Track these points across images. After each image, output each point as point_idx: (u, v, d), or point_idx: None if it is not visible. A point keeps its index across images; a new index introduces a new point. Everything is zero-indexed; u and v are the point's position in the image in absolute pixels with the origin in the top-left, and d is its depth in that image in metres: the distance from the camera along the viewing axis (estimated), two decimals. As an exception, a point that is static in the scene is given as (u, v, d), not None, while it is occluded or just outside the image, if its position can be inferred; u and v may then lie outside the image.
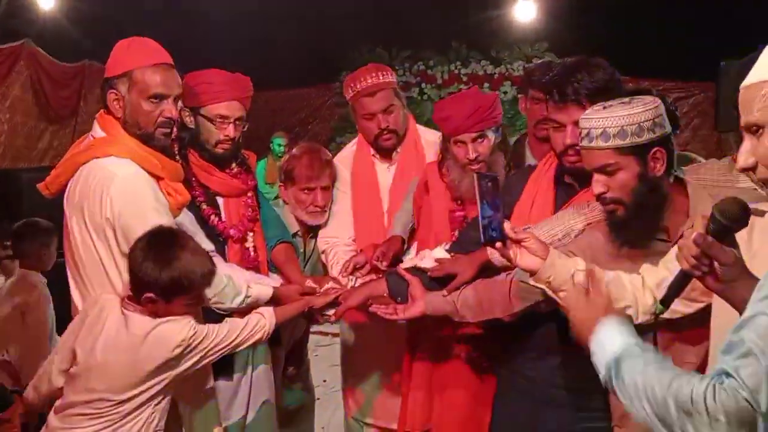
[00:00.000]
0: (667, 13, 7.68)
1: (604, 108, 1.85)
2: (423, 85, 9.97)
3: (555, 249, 1.88)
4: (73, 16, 7.50)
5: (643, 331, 1.75)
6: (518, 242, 1.84)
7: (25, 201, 5.62)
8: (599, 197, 1.88)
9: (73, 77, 8.14)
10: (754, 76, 1.29)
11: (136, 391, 2.04)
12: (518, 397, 2.27)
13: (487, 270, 2.17)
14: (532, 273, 1.86)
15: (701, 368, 1.74)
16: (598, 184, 1.86)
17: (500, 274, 2.14)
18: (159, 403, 2.10)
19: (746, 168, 1.29)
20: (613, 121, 1.81)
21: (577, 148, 2.06)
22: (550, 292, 1.87)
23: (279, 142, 8.24)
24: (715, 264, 1.33)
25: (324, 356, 4.93)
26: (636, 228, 1.86)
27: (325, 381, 4.58)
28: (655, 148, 1.83)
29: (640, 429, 1.85)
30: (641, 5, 7.66)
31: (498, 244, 1.85)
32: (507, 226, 1.83)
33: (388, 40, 9.83)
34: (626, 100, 1.86)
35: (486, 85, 9.54)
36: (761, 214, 1.39)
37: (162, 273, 2.01)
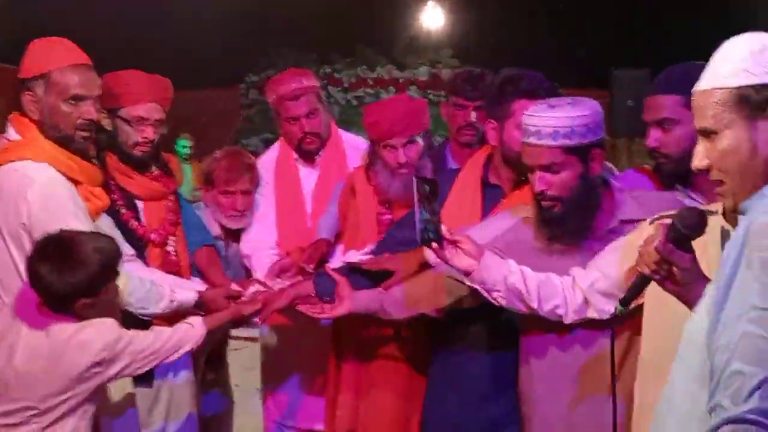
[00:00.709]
0: (566, 23, 8.03)
1: (550, 107, 1.91)
2: (329, 88, 10.00)
3: (489, 251, 1.93)
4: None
5: (601, 326, 1.86)
6: (454, 243, 1.88)
7: None
8: (540, 194, 1.93)
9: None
10: (705, 82, 1.35)
11: (60, 399, 1.96)
12: (452, 394, 2.31)
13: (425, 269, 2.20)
14: (467, 274, 1.91)
15: None
16: (541, 181, 1.91)
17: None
18: (85, 411, 2.03)
19: (700, 169, 1.36)
20: (564, 122, 1.87)
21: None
22: (484, 293, 1.92)
23: (183, 144, 8.04)
24: (674, 268, 1.40)
25: (235, 360, 4.83)
26: (570, 225, 1.93)
27: (237, 385, 4.49)
28: (595, 149, 1.92)
29: (545, 409, 1.99)
30: (545, 16, 7.98)
31: (434, 245, 1.88)
32: (444, 228, 1.87)
33: (293, 43, 9.81)
34: (569, 100, 1.93)
35: (391, 89, 9.69)
36: (711, 214, 1.47)
37: (77, 275, 1.94)
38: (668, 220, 1.43)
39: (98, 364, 1.98)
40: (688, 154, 1.50)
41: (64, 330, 1.96)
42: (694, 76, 1.39)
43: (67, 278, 1.93)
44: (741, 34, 1.36)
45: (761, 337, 1.09)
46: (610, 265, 1.83)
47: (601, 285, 1.84)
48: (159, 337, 2.13)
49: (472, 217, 2.27)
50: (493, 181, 2.32)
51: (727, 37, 1.36)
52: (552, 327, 1.96)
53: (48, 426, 1.97)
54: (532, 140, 1.91)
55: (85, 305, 1.98)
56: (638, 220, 1.87)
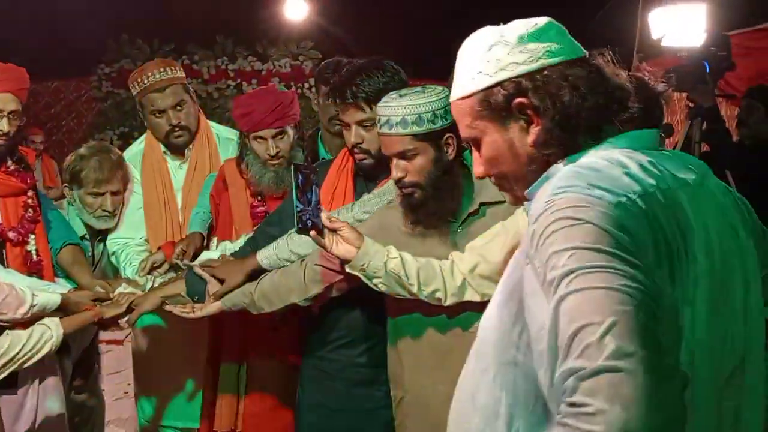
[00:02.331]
0: (433, 14, 8.18)
1: (400, 96, 1.96)
2: (189, 80, 9.69)
3: (369, 238, 1.96)
4: None
5: (476, 306, 1.92)
6: (334, 231, 1.92)
7: None
8: (398, 181, 1.99)
9: None
10: (453, 92, 1.34)
11: None
12: (327, 382, 2.33)
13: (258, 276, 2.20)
14: (347, 261, 1.94)
15: None
16: (398, 168, 1.97)
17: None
18: None
19: (484, 176, 1.38)
20: (411, 109, 1.93)
21: (362, 147, 2.19)
22: (364, 278, 1.96)
23: (33, 139, 7.56)
24: None
25: (102, 364, 4.65)
26: (431, 209, 1.98)
27: (103, 390, 4.33)
28: (447, 134, 1.98)
29: (416, 390, 2.04)
30: (410, 8, 8.11)
31: (313, 233, 1.91)
32: (324, 215, 1.90)
33: (149, 32, 9.43)
34: (419, 89, 1.98)
35: (254, 81, 9.56)
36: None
37: None
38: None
39: None
40: None
41: None
42: None
43: None
44: (474, 33, 1.33)
45: (585, 290, 1.02)
46: (492, 251, 1.90)
47: (483, 269, 1.91)
48: (14, 343, 2.05)
49: (343, 205, 2.28)
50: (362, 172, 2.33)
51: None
52: (419, 305, 2.01)
53: None
54: (384, 129, 1.97)
55: None
56: (497, 203, 1.97)
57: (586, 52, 1.30)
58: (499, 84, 1.25)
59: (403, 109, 1.93)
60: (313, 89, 8.57)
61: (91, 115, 9.86)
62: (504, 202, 1.96)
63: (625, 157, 1.18)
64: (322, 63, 2.95)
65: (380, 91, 2.12)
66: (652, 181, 1.15)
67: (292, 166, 1.90)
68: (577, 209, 1.09)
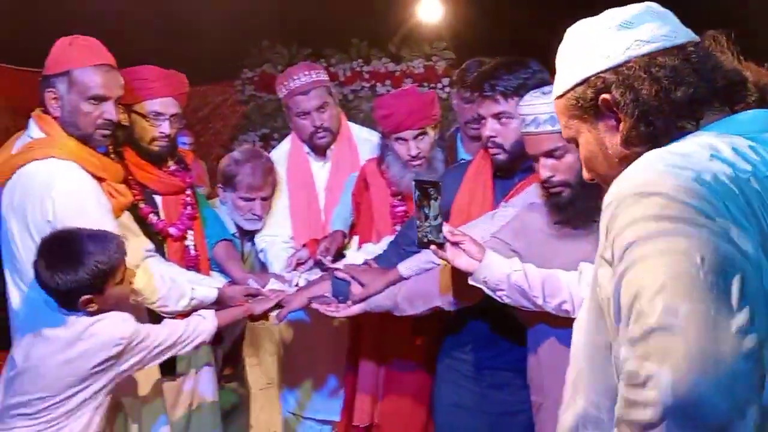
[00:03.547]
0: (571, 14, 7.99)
1: (545, 93, 1.92)
2: (326, 82, 9.94)
3: (491, 250, 1.93)
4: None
5: None
6: (455, 244, 1.90)
7: None
8: (546, 181, 1.95)
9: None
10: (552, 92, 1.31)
11: (74, 390, 1.99)
12: (464, 384, 2.34)
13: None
14: (469, 273, 1.92)
15: None
16: (545, 168, 1.93)
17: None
18: (100, 403, 2.06)
19: (588, 180, 1.34)
20: None
21: (496, 141, 2.16)
22: (487, 291, 1.93)
23: (182, 141, 8.04)
24: None
25: (248, 353, 4.87)
26: (580, 207, 1.93)
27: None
28: None
29: (556, 397, 1.99)
30: (546, 8, 7.96)
31: (433, 247, 1.90)
32: (445, 228, 1.88)
33: (288, 37, 9.78)
34: None
35: (388, 82, 9.69)
36: None
37: (81, 273, 1.96)
38: None
39: (111, 357, 2.00)
40: None
41: (79, 323, 1.99)
42: None
43: (61, 276, 1.95)
44: (572, 26, 1.26)
45: (640, 260, 0.99)
46: None
47: None
48: (172, 332, 2.17)
49: (483, 208, 2.29)
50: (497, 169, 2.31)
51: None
52: (556, 319, 1.96)
53: (62, 417, 2.00)
54: (531, 129, 1.93)
55: (87, 301, 1.99)
56: None
57: (694, 38, 1.20)
58: (586, 80, 1.20)
59: (550, 105, 1.89)
60: (447, 89, 8.58)
61: (235, 118, 10.35)
62: None
63: (720, 142, 1.09)
64: (464, 64, 2.95)
65: (519, 86, 2.11)
66: (746, 167, 1.05)
67: (412, 182, 1.89)
68: (647, 184, 1.03)
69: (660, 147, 1.13)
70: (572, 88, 1.22)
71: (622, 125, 1.18)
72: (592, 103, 1.20)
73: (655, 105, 1.14)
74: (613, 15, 1.21)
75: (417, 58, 9.89)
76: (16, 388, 2.02)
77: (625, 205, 1.04)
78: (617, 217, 1.05)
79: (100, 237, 2.01)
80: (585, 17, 1.28)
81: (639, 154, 1.14)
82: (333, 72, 9.98)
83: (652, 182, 1.03)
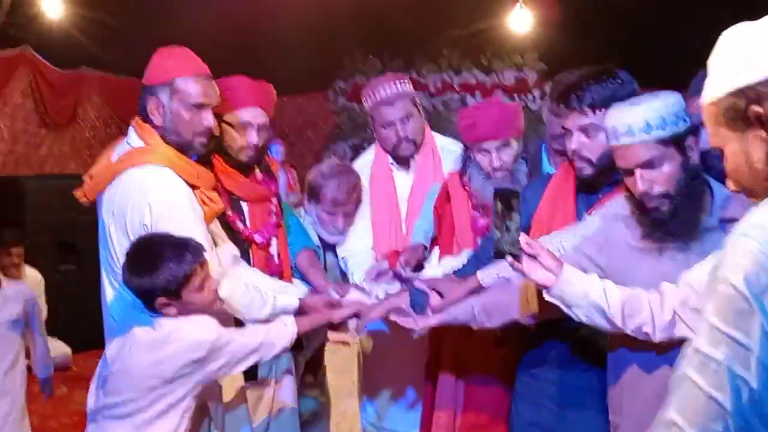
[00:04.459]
0: (661, 20, 7.73)
1: (633, 105, 1.84)
2: (416, 93, 9.97)
3: (570, 265, 1.85)
4: (71, 22, 7.48)
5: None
6: (532, 257, 1.82)
7: (27, 208, 5.61)
8: (645, 194, 1.84)
9: (70, 84, 8.12)
10: (702, 98, 1.29)
11: (160, 393, 2.03)
12: (543, 402, 2.29)
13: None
14: (546, 288, 1.84)
15: None
16: (643, 181, 1.83)
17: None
18: (187, 408, 2.09)
19: (735, 191, 1.32)
20: (652, 113, 1.80)
21: (582, 155, 2.09)
22: (564, 308, 1.85)
23: (276, 150, 8.25)
24: None
25: (329, 362, 4.92)
26: (681, 222, 1.83)
27: (331, 386, 4.57)
28: (690, 136, 1.84)
29: (634, 419, 1.91)
30: (632, 16, 7.73)
31: (509, 258, 1.83)
32: (522, 239, 1.80)
33: (380, 48, 9.88)
34: (651, 95, 1.85)
35: (477, 93, 9.63)
36: None
37: (155, 278, 2.01)
38: None
39: (196, 361, 2.03)
40: None
41: (167, 325, 2.04)
42: None
43: (136, 278, 2.02)
44: (730, 29, 1.24)
45: (699, 389, 1.08)
46: (704, 282, 1.75)
47: (694, 303, 1.72)
48: (255, 337, 2.19)
49: (564, 223, 2.21)
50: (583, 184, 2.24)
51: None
52: (638, 345, 1.87)
53: (149, 421, 2.03)
54: (624, 140, 1.84)
55: (164, 305, 2.04)
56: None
57: None
58: (739, 90, 1.18)
59: (644, 113, 1.81)
60: (538, 101, 8.45)
61: (328, 128, 10.53)
62: None
63: None
64: (557, 76, 2.87)
65: (608, 98, 2.03)
66: None
67: (492, 190, 1.84)
68: (737, 269, 1.07)
69: None
70: (722, 98, 1.21)
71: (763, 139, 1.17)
72: (741, 114, 1.19)
73: None
74: None
75: (508, 69, 9.80)
76: (108, 389, 2.08)
77: (719, 292, 1.10)
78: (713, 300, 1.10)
79: (179, 244, 2.05)
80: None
81: None
82: (423, 83, 10.02)
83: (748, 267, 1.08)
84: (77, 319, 4.94)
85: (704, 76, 2.06)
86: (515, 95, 9.58)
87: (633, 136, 1.82)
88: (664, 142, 1.81)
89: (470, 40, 9.43)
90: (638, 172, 1.84)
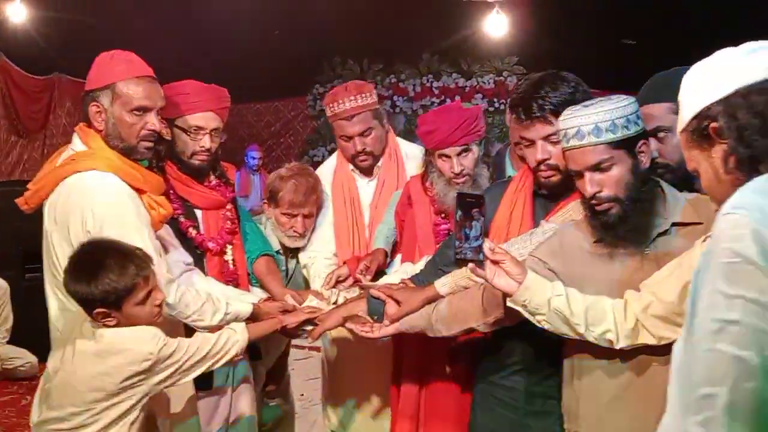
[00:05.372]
0: (639, 27, 7.78)
1: (586, 106, 1.83)
2: (395, 98, 10.03)
3: (533, 271, 1.82)
4: (42, 28, 7.40)
5: (657, 351, 1.75)
6: (495, 263, 1.79)
7: (-6, 214, 5.50)
8: (593, 197, 1.83)
9: (42, 90, 8.04)
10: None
11: (104, 405, 1.96)
12: (500, 409, 2.24)
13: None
14: (508, 294, 1.81)
15: None
16: (592, 183, 1.82)
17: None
18: (135, 420, 2.02)
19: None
20: (603, 116, 1.79)
21: (550, 163, 2.06)
22: (526, 314, 1.82)
23: (252, 155, 8.21)
24: None
25: (301, 370, 4.88)
26: (630, 226, 1.81)
27: (302, 395, 4.53)
28: (641, 141, 1.82)
29: (591, 427, 1.89)
30: (609, 20, 7.76)
31: (471, 265, 1.79)
32: (486, 245, 1.77)
33: (359, 53, 9.87)
34: (604, 98, 1.84)
35: (457, 97, 9.64)
36: None
37: (92, 287, 1.94)
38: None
39: (140, 372, 1.97)
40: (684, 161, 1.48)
41: (110, 337, 1.97)
42: (679, 81, 1.42)
43: (74, 285, 1.96)
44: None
45: (723, 354, 1.12)
46: (666, 289, 1.71)
47: (657, 309, 1.72)
48: (203, 345, 2.12)
49: (522, 228, 2.18)
50: (544, 192, 2.21)
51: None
52: (596, 351, 1.84)
53: None
54: (574, 142, 1.82)
55: (102, 315, 1.97)
56: (692, 224, 1.78)
57: None
58: (698, 113, 1.35)
59: (594, 116, 1.80)
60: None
61: (306, 133, 10.49)
62: (700, 223, 1.76)
63: None
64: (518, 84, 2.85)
65: (567, 102, 1.99)
66: None
67: (456, 195, 1.80)
68: (735, 238, 1.15)
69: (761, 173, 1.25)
70: (689, 122, 1.37)
71: (728, 152, 1.31)
72: (702, 132, 1.35)
73: (749, 135, 1.28)
74: (730, 50, 1.37)
75: (487, 74, 9.81)
76: (51, 403, 2.02)
77: (719, 259, 1.18)
78: (714, 268, 1.18)
79: (123, 254, 1.99)
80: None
81: (743, 181, 1.26)
82: (403, 87, 10.01)
83: (740, 234, 1.17)
84: (44, 328, 4.83)
85: (649, 86, 2.10)
86: (495, 99, 9.60)
87: (582, 139, 1.81)
88: (614, 144, 1.79)
89: (449, 45, 9.43)
90: (587, 175, 1.82)
